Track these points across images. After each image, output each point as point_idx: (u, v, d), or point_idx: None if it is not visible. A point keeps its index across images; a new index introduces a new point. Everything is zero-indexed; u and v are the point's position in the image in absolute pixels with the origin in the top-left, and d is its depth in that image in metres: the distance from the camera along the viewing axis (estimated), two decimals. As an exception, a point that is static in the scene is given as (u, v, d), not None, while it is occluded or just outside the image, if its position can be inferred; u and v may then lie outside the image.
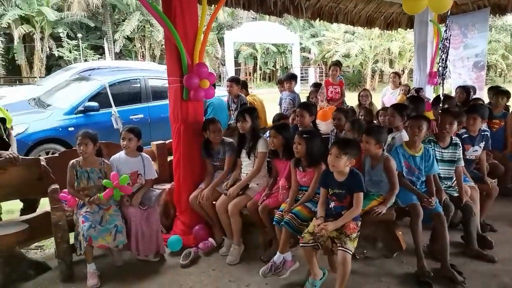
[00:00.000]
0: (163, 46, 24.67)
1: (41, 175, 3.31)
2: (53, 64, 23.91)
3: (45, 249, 3.60)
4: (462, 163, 3.44)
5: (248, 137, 3.51)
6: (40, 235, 3.26)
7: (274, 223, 3.02)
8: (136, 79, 7.07)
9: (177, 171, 3.68)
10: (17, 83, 20.19)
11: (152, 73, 7.71)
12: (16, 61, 23.06)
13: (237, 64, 26.55)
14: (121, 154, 3.40)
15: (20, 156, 3.29)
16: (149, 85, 7.03)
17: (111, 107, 5.93)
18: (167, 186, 3.87)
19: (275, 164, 3.44)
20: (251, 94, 5.81)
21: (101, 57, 23.34)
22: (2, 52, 21.75)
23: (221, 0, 3.99)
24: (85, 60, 21.67)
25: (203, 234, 3.56)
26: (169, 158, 4.04)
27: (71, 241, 3.11)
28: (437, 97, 5.17)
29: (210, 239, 3.51)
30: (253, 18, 26.22)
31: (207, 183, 3.59)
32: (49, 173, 3.30)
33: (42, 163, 3.34)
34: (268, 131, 3.53)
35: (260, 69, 29.99)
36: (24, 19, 22.47)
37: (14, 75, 23.32)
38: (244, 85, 5.70)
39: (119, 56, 25.42)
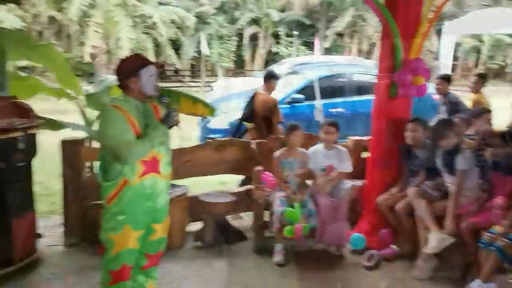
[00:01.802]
0: (372, 41, 24.27)
1: (250, 156, 3.79)
2: (269, 60, 26.90)
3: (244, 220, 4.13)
4: None
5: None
6: (243, 208, 3.76)
7: (480, 245, 2.54)
8: (341, 73, 7.16)
9: (371, 170, 3.57)
10: (241, 75, 23.74)
11: (358, 67, 7.63)
12: (243, 57, 27.19)
13: (454, 58, 23.40)
14: (319, 146, 3.54)
15: (236, 139, 3.86)
16: (353, 79, 7.01)
17: (315, 99, 6.21)
18: (358, 182, 3.79)
19: (492, 177, 2.87)
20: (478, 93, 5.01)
21: (312, 53, 24.77)
22: (234, 49, 25.93)
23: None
24: (297, 56, 23.45)
25: (388, 239, 3.35)
26: (363, 155, 3.95)
27: (266, 218, 3.45)
28: None
29: (394, 246, 3.29)
30: (485, 5, 22.42)
31: (400, 187, 3.35)
32: (256, 155, 3.74)
33: (252, 145, 3.81)
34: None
35: (484, 64, 25.60)
36: (254, 21, 26.10)
37: (240, 68, 27.55)
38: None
39: (327, 51, 26.37)
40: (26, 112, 3.03)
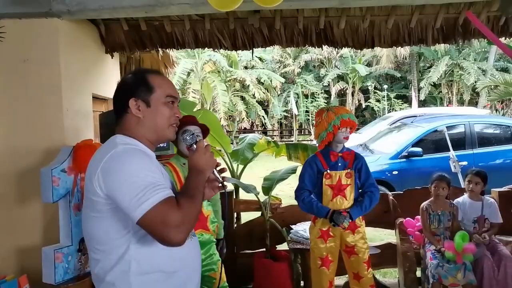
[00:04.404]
0: (475, 90, 22.77)
1: (388, 209, 3.77)
2: (359, 115, 26.61)
3: (388, 277, 3.99)
4: None
5: None
6: (387, 262, 3.68)
7: None
8: (460, 124, 6.88)
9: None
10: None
11: (475, 118, 7.31)
12: (332, 113, 27.34)
13: None
14: (465, 197, 3.44)
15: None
16: (474, 130, 6.68)
17: (436, 152, 6.03)
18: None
19: None
20: None
21: (407, 106, 24.13)
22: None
23: None
24: (392, 110, 22.98)
25: None
26: None
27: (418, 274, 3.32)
28: None
29: None
30: None
31: None
32: (396, 207, 3.71)
33: (390, 197, 3.81)
34: None
35: None
36: (340, 77, 26.49)
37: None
38: None
39: (422, 103, 25.42)
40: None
